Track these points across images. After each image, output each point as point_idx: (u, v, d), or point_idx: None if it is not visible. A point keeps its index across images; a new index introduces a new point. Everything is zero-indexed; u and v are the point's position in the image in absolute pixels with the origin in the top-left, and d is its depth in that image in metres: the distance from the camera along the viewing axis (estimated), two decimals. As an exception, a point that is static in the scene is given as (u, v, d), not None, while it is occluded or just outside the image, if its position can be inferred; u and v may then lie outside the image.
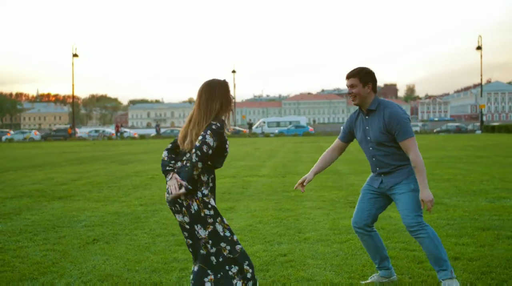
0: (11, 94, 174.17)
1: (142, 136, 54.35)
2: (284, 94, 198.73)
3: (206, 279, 3.27)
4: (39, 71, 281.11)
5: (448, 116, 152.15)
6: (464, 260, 4.58)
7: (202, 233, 3.26)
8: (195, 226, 3.27)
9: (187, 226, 3.30)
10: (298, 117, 73.53)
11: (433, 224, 6.11)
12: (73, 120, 58.79)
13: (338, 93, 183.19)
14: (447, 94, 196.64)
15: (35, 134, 55.60)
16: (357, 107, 3.95)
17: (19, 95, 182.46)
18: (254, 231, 6.00)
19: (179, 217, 3.32)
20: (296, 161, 16.84)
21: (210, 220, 3.28)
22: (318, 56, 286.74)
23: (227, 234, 3.32)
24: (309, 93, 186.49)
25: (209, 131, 3.19)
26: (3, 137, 53.92)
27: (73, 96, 61.58)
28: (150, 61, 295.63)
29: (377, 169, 3.89)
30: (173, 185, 3.24)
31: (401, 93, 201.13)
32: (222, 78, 3.40)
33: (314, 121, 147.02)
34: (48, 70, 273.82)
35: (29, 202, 8.72)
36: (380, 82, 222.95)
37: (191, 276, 3.34)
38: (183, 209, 3.27)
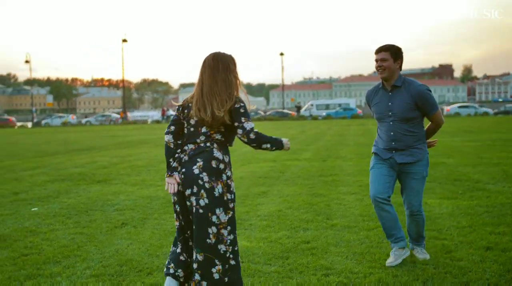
0: (67, 80, 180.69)
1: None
2: (335, 76, 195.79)
3: (214, 270, 3.11)
4: (93, 56, 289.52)
5: (508, 97, 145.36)
6: (497, 250, 4.30)
7: (223, 218, 3.12)
8: (216, 210, 3.10)
9: (201, 210, 3.10)
10: (348, 99, 72.22)
11: (471, 212, 5.80)
12: (124, 104, 60.41)
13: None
14: (507, 74, 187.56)
15: (72, 119, 58.13)
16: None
17: (74, 80, 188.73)
18: (282, 217, 5.89)
19: (192, 199, 3.12)
20: (340, 144, 16.54)
21: (231, 205, 3.18)
22: (369, 37, 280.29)
23: None
24: (360, 75, 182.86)
25: (243, 118, 3.13)
26: (43, 122, 56.88)
27: (123, 81, 63.14)
28: (199, 45, 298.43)
29: (392, 143, 4.02)
30: (173, 184, 3.19)
31: (457, 73, 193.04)
32: (228, 53, 3.29)
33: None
34: (102, 55, 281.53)
35: (69, 185, 8.96)
36: (434, 63, 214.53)
37: (195, 266, 3.14)
38: (202, 191, 3.10)
